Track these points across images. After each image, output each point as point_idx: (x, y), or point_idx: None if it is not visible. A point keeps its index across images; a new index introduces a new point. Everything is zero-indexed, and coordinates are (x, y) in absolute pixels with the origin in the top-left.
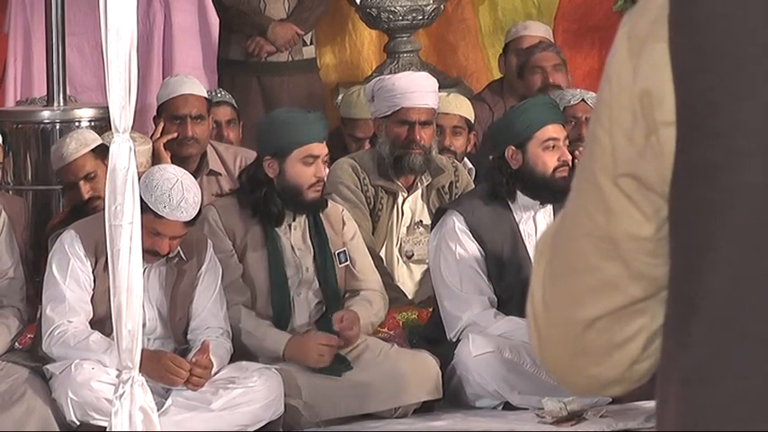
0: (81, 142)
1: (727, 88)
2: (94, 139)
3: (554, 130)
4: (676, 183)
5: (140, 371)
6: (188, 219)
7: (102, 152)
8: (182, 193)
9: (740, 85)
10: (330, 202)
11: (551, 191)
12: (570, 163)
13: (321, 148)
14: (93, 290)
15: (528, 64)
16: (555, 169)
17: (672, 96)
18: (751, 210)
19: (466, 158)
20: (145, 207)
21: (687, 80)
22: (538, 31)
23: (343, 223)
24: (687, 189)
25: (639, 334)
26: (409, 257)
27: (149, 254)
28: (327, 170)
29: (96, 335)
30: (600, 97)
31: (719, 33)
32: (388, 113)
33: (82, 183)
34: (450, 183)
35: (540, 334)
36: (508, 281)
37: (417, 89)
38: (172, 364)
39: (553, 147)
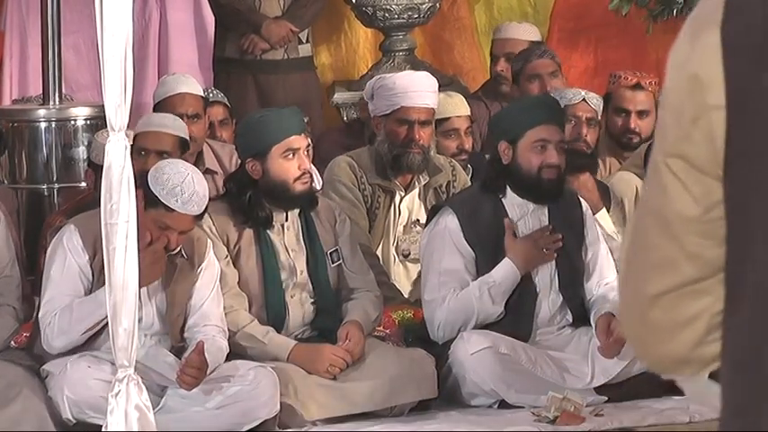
0: None
1: None
2: None
3: (546, 132)
4: (729, 166)
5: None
6: (198, 212)
7: None
8: (193, 186)
9: None
10: (321, 199)
11: (537, 190)
12: (561, 165)
13: (300, 141)
14: (92, 284)
15: (524, 71)
16: (540, 169)
17: (721, 80)
18: None
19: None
20: (155, 201)
21: (736, 63)
22: (524, 35)
23: (336, 219)
24: (739, 173)
25: (703, 314)
26: (405, 256)
27: None
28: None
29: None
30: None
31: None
32: (388, 112)
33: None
34: (448, 182)
35: (620, 310)
36: None
37: (417, 89)
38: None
39: (542, 148)
